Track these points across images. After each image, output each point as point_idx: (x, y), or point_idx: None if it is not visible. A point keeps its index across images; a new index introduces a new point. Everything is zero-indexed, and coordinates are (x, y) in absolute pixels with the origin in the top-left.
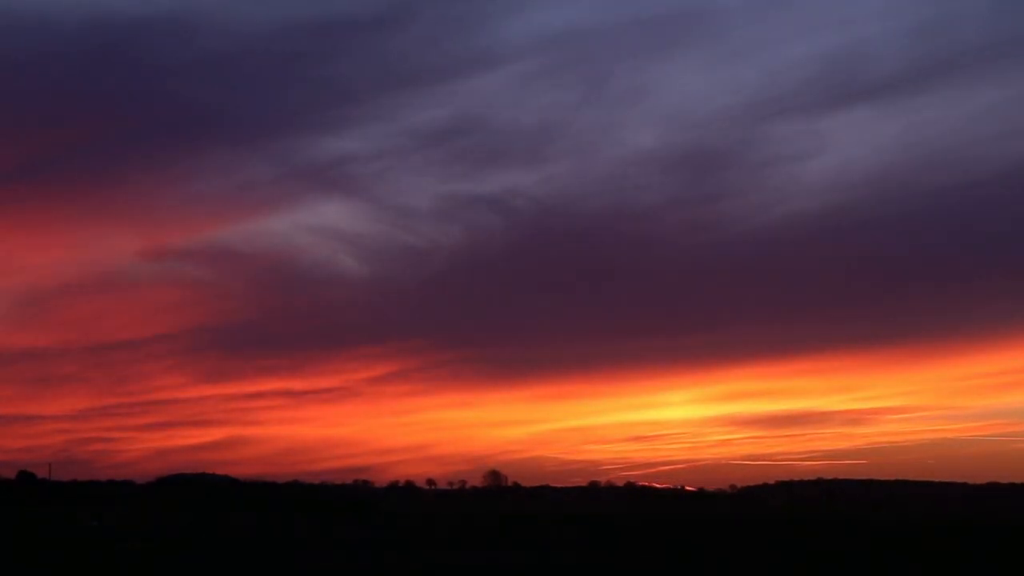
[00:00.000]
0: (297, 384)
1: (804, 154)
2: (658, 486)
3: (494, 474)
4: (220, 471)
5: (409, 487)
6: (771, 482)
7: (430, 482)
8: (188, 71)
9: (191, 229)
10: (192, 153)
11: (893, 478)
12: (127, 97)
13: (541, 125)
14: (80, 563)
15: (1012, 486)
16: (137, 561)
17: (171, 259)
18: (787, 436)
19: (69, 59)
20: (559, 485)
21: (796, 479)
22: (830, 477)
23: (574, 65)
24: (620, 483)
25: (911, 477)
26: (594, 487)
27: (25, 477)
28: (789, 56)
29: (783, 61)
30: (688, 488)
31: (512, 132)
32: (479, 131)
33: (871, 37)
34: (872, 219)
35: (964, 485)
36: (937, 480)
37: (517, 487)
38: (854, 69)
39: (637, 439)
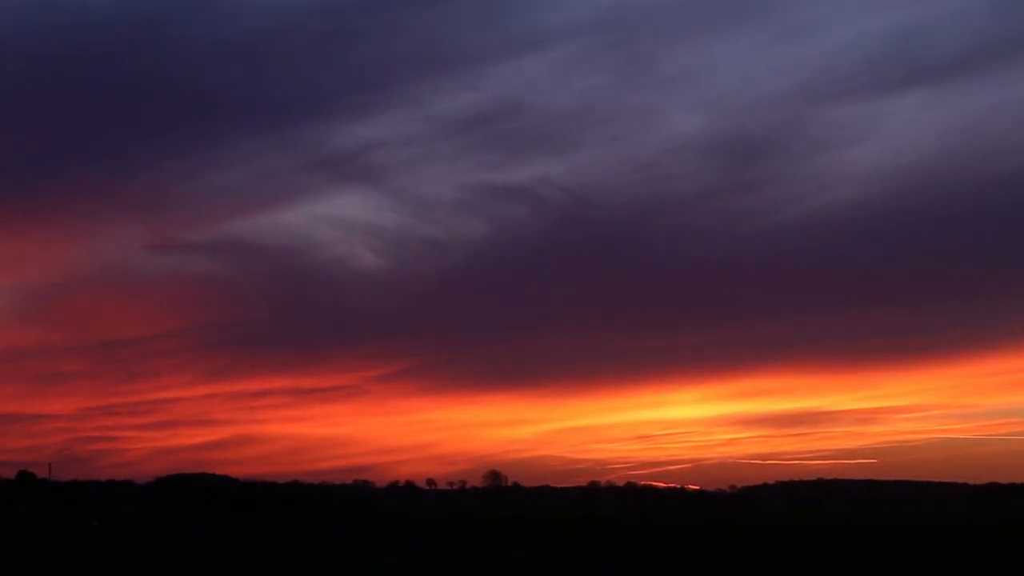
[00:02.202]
0: (305, 382)
1: (852, 140)
2: (660, 485)
3: (494, 474)
4: (222, 471)
5: (409, 487)
6: (771, 482)
7: (430, 482)
8: (215, 52)
9: (204, 222)
10: (209, 142)
11: (896, 478)
12: (146, 83)
13: (578, 111)
14: (80, 563)
15: (1013, 486)
16: (137, 561)
17: (182, 253)
18: (796, 435)
19: (88, 42)
20: (561, 485)
21: (796, 479)
22: (830, 478)
23: (619, 47)
24: (620, 483)
25: (920, 477)
26: (594, 487)
27: (25, 477)
28: (849, 35)
29: (842, 40)
30: (691, 487)
31: (547, 119)
32: (513, 118)
33: (942, 14)
34: (905, 211)
35: (965, 486)
36: (937, 480)
37: (517, 487)
38: (921, 48)
39: (643, 438)
